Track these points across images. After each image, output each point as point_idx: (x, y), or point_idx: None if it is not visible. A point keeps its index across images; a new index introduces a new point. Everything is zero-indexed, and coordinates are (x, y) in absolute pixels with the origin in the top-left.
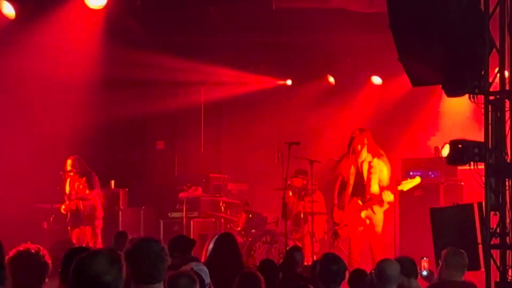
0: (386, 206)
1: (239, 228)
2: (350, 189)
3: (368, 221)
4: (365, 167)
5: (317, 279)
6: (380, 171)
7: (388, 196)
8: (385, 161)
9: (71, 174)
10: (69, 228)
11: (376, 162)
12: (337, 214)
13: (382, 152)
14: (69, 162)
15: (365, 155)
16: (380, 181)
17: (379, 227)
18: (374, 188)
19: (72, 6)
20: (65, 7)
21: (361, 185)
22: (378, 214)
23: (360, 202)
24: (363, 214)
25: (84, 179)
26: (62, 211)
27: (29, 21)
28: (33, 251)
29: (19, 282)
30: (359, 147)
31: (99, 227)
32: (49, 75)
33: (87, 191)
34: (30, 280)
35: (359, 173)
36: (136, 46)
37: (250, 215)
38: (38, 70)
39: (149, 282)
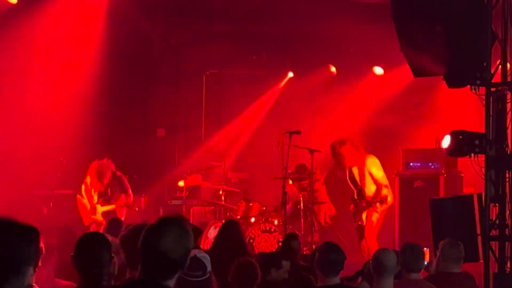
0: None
1: (238, 217)
2: (354, 194)
3: (365, 222)
4: (355, 172)
5: (315, 267)
6: (369, 172)
7: (383, 190)
8: (372, 161)
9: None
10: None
11: (363, 164)
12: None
13: (366, 155)
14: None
15: (349, 164)
16: (375, 180)
17: (374, 218)
18: (371, 189)
19: None
20: None
21: (359, 189)
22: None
23: (364, 203)
24: (364, 215)
25: (116, 186)
26: (98, 217)
27: (32, 6)
28: None
29: None
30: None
31: None
32: (49, 60)
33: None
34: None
35: (353, 179)
36: (137, 33)
37: (250, 204)
38: (39, 55)
39: None
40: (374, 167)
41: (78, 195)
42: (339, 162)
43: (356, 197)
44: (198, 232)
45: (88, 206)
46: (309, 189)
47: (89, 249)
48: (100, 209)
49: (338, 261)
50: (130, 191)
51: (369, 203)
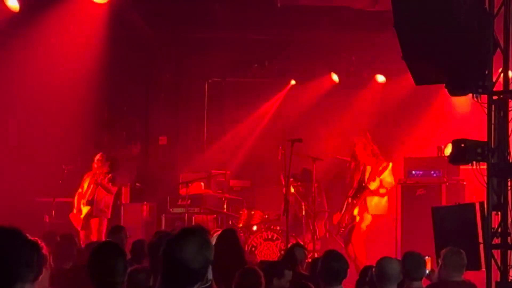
0: (380, 201)
1: (240, 225)
2: (351, 192)
3: (358, 218)
4: (368, 170)
5: (318, 276)
6: (380, 179)
7: (372, 185)
8: (387, 167)
9: (97, 168)
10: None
11: (378, 167)
12: (336, 216)
13: (382, 159)
14: (97, 157)
15: (365, 160)
16: (382, 185)
17: (364, 224)
18: (373, 186)
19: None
20: (69, 0)
21: (362, 187)
22: (370, 210)
23: (351, 200)
24: (355, 211)
25: (110, 176)
26: (82, 205)
27: (34, 15)
28: None
29: None
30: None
31: (105, 225)
32: (52, 68)
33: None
34: None
35: (362, 177)
36: (139, 41)
37: (252, 212)
38: (41, 63)
39: None
40: (387, 173)
41: (70, 215)
42: (357, 156)
43: (350, 195)
44: None
45: (75, 210)
46: (311, 197)
47: (104, 258)
48: (84, 204)
49: (341, 270)
50: (114, 188)
51: (362, 191)
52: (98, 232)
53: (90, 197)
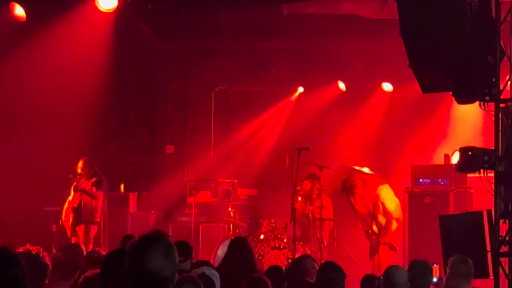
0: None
1: (247, 233)
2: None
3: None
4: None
5: (315, 286)
6: (383, 204)
7: (393, 225)
8: (386, 192)
9: (79, 176)
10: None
11: (378, 193)
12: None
13: (380, 185)
14: (79, 164)
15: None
16: (386, 212)
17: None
18: (380, 220)
19: (83, 8)
20: (76, 9)
21: (371, 215)
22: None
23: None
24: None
25: (93, 180)
26: (64, 209)
27: (40, 24)
28: (33, 252)
29: None
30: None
31: (93, 232)
32: (59, 77)
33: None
34: (30, 282)
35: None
36: (146, 50)
37: (259, 221)
38: (48, 72)
39: None
40: (388, 201)
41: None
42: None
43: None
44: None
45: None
46: (318, 205)
47: (117, 266)
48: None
49: (338, 280)
50: (99, 193)
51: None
52: (85, 239)
53: (76, 204)
